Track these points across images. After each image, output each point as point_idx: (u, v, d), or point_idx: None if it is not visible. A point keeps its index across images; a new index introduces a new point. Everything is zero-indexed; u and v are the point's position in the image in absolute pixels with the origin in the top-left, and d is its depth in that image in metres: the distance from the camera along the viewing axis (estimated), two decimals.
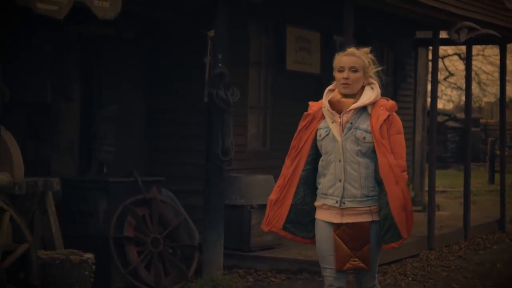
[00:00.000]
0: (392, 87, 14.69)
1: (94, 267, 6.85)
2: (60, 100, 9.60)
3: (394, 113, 5.27)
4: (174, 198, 9.46)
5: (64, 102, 9.66)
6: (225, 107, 8.87)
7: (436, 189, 13.05)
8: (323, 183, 5.28)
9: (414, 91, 15.88)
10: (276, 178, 10.14)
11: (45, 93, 9.34)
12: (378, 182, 5.22)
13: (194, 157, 10.25)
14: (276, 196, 5.34)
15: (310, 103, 5.41)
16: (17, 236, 6.64)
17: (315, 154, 5.31)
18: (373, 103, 5.27)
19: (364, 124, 5.24)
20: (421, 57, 16.23)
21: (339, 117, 5.26)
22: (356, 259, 5.22)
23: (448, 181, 22.23)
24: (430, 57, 16.13)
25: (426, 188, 13.57)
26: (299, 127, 5.36)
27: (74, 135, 9.83)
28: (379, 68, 5.38)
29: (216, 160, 8.89)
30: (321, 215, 5.30)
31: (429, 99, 13.89)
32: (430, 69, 15.11)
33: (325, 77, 12.38)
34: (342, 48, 10.36)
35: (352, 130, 5.24)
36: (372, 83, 5.33)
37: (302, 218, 5.33)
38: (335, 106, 5.28)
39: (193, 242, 9.09)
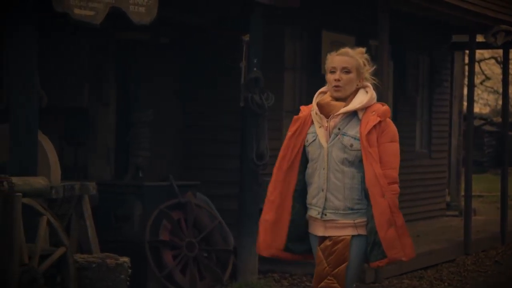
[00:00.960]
0: (427, 91, 14.61)
1: (130, 270, 6.89)
2: (97, 105, 9.68)
3: (388, 120, 4.81)
4: (209, 202, 9.49)
5: (100, 107, 9.73)
6: (260, 111, 8.89)
7: (473, 193, 12.97)
8: (309, 192, 4.84)
9: (450, 95, 15.80)
10: None
11: (82, 98, 9.42)
12: (366, 194, 4.76)
13: (229, 162, 10.27)
14: (272, 216, 4.83)
15: (301, 107, 4.98)
16: (54, 239, 6.70)
17: (307, 162, 4.88)
18: (365, 108, 4.80)
19: (353, 130, 4.77)
20: (458, 61, 16.15)
21: (327, 121, 4.80)
22: (332, 278, 4.73)
23: (484, 185, 22.08)
24: (466, 61, 16.03)
25: (463, 193, 13.49)
26: (289, 133, 4.88)
27: (110, 139, 9.89)
28: (373, 68, 4.94)
29: (250, 164, 8.91)
30: (309, 227, 4.89)
31: (465, 103, 13.80)
32: (466, 73, 15.01)
33: None
34: (377, 52, 10.37)
35: (339, 136, 4.77)
36: (367, 86, 4.87)
37: (300, 233, 4.88)
38: (323, 109, 4.83)
39: (228, 246, 9.11)
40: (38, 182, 5.83)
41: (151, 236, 8.55)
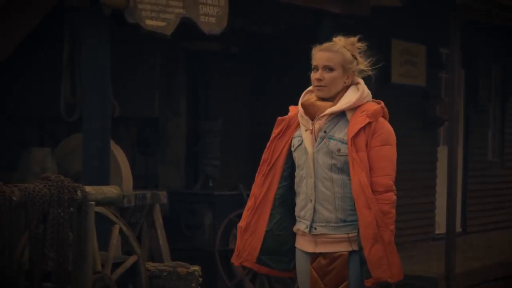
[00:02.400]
0: (500, 100, 14.41)
1: (200, 279, 6.93)
2: (168, 114, 9.77)
3: (381, 120, 4.23)
4: None
5: (171, 116, 9.83)
6: None
7: None
8: (297, 203, 4.29)
9: None
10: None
11: (153, 108, 9.53)
12: None
13: None
14: (246, 222, 4.29)
15: (290, 106, 4.45)
16: (126, 248, 6.77)
17: (292, 168, 4.32)
18: (356, 108, 4.22)
19: (340, 133, 4.20)
20: None
21: (312, 124, 4.25)
22: None
23: None
24: None
25: None
26: (272, 136, 4.37)
27: (181, 148, 9.98)
28: (367, 62, 4.36)
29: None
30: (298, 243, 4.30)
31: None
32: None
33: (431, 90, 12.28)
34: (448, 60, 10.27)
35: (325, 140, 4.20)
36: (358, 82, 4.29)
37: (279, 247, 4.31)
38: (308, 110, 4.27)
39: None
40: (110, 191, 5.90)
41: (221, 245, 8.59)
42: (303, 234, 4.25)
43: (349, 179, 4.16)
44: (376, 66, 4.40)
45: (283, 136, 4.33)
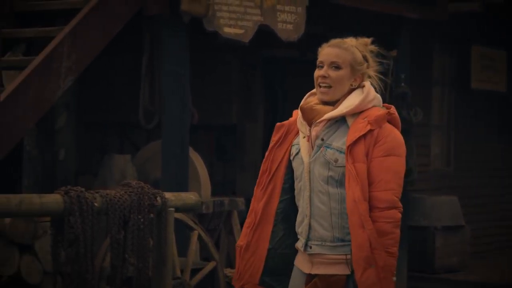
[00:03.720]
0: None
1: None
2: (246, 121, 9.82)
3: (387, 127, 3.69)
4: None
5: (249, 123, 9.87)
6: (407, 127, 8.81)
7: None
8: (297, 218, 3.83)
9: None
10: (460, 199, 9.90)
11: (231, 115, 9.58)
12: None
13: None
14: (246, 240, 3.84)
15: (294, 111, 3.93)
16: (204, 254, 6.82)
17: (293, 179, 3.85)
18: (359, 113, 3.71)
19: (339, 141, 3.69)
20: None
21: (309, 130, 3.77)
22: None
23: None
24: None
25: None
26: (271, 144, 3.90)
27: (259, 155, 10.01)
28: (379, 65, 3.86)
29: None
30: (297, 260, 3.84)
31: None
32: None
33: None
34: None
35: (322, 148, 3.71)
36: (364, 86, 3.77)
37: (283, 266, 3.86)
38: (307, 115, 3.77)
39: None
40: (189, 197, 5.95)
41: None
42: (301, 252, 3.79)
43: None
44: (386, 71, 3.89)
45: (283, 144, 3.85)
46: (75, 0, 6.92)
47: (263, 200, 3.83)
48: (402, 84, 8.82)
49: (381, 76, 3.80)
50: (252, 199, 3.88)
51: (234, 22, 7.05)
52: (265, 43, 8.30)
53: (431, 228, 9.78)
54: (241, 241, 3.87)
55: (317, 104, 3.75)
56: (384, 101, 9.67)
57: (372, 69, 3.80)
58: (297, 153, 3.79)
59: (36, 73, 6.25)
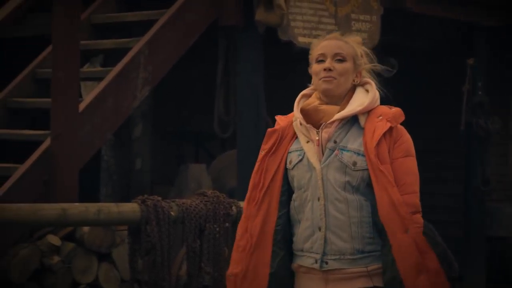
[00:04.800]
0: None
1: None
2: None
3: (400, 127, 3.43)
4: (433, 229, 9.35)
5: None
6: (485, 136, 8.70)
7: None
8: (297, 233, 3.37)
9: None
10: None
11: None
12: (380, 230, 3.32)
13: (451, 187, 10.09)
14: (242, 267, 3.35)
15: (277, 116, 3.60)
16: None
17: (291, 190, 3.42)
18: (368, 112, 3.40)
19: (355, 142, 3.36)
20: None
21: (317, 133, 3.38)
22: None
23: None
24: None
25: None
26: (261, 153, 3.45)
27: None
28: (377, 66, 3.53)
29: (475, 190, 8.72)
30: (300, 284, 3.40)
31: None
32: None
33: None
34: None
35: (336, 152, 3.35)
36: (367, 83, 3.46)
37: None
38: (311, 117, 3.41)
39: (453, 273, 8.93)
40: None
41: None
42: (308, 271, 3.36)
43: (366, 200, 3.32)
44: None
45: (277, 152, 3.42)
46: (150, 11, 7.02)
47: (258, 218, 3.36)
48: (479, 92, 8.72)
49: (375, 76, 3.51)
50: (243, 219, 3.41)
51: (309, 32, 7.06)
52: None
53: (510, 239, 9.63)
54: (234, 268, 3.37)
55: (321, 104, 3.41)
56: (461, 110, 9.46)
57: (364, 65, 3.47)
58: (299, 160, 3.38)
59: (114, 84, 6.36)
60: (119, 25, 7.27)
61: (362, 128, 3.37)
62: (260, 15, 6.79)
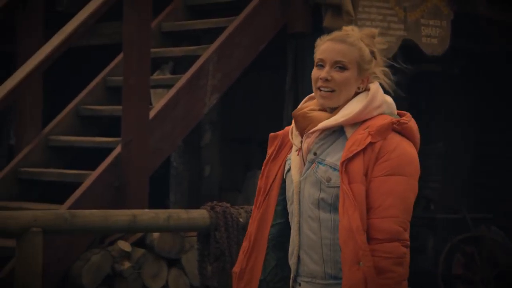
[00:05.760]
0: None
1: None
2: None
3: (394, 141, 2.95)
4: (505, 237, 9.23)
5: None
6: None
7: None
8: (289, 248, 3.17)
9: None
10: None
11: None
12: None
13: None
14: (241, 267, 3.18)
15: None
16: None
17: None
18: (361, 122, 3.00)
19: (334, 156, 2.99)
20: None
21: (301, 142, 3.07)
22: None
23: None
24: None
25: None
26: (266, 158, 3.21)
27: None
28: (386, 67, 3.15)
29: None
30: None
31: None
32: None
33: None
34: None
35: (313, 165, 3.02)
36: (370, 88, 3.05)
37: None
38: (299, 123, 3.06)
39: None
40: None
41: (444, 270, 8.45)
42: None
43: None
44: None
45: (276, 159, 3.15)
46: (219, 19, 7.06)
47: (255, 223, 3.15)
48: None
49: (391, 76, 3.13)
50: (250, 220, 3.22)
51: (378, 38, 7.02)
52: (409, 58, 8.23)
53: None
54: (236, 267, 3.21)
55: (313, 110, 3.04)
56: None
57: (379, 67, 3.09)
58: (289, 170, 3.11)
59: (183, 91, 6.41)
60: (188, 32, 7.32)
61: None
62: (328, 21, 6.78)
